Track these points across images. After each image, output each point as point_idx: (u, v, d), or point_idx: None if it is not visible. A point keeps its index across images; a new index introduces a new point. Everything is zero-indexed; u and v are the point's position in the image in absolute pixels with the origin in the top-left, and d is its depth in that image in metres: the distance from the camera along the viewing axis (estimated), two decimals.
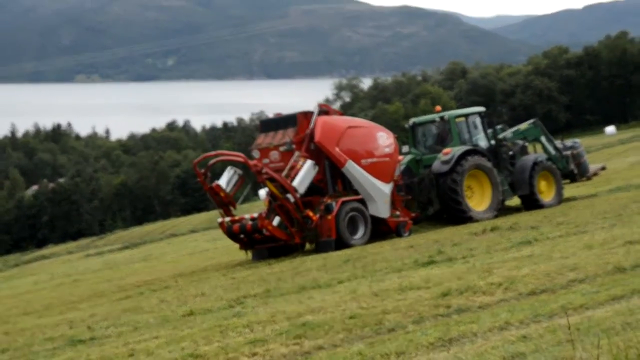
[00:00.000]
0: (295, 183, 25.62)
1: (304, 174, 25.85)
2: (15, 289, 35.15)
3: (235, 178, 27.14)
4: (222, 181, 26.83)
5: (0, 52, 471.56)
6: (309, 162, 26.02)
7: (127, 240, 62.36)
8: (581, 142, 33.60)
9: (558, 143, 32.38)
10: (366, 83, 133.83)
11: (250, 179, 29.03)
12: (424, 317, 11.84)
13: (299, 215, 25.61)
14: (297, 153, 26.20)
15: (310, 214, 25.62)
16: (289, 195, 25.52)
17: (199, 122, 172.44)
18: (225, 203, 26.96)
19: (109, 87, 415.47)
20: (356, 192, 26.84)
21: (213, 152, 27.78)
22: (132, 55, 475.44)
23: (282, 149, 26.51)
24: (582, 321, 9.96)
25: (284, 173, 25.91)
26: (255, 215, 25.93)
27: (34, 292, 30.65)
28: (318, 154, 26.57)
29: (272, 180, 25.83)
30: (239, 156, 27.59)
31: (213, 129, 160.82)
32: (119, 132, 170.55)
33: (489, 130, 30.03)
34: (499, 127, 31.07)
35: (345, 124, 27.47)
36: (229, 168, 27.59)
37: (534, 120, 32.91)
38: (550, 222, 22.72)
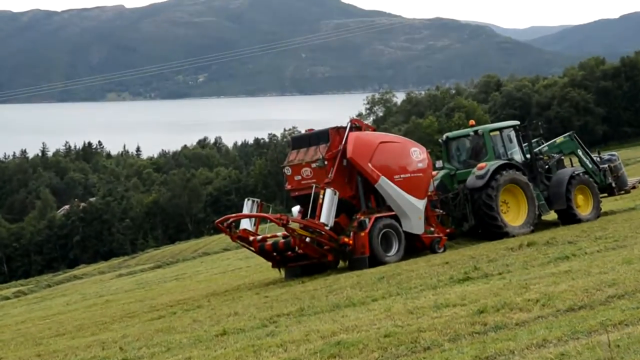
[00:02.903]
0: (322, 219, 25.31)
1: (328, 205, 25.49)
2: (47, 309, 35.13)
3: (255, 207, 27.12)
4: (244, 221, 26.80)
5: (31, 71, 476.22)
6: (329, 192, 25.60)
7: (159, 260, 62.41)
8: (619, 155, 33.29)
9: (595, 156, 32.07)
10: (399, 97, 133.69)
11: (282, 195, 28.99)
12: (460, 335, 11.67)
13: (334, 245, 25.43)
14: (313, 186, 25.90)
15: (346, 239, 25.40)
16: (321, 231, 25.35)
17: (231, 139, 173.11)
18: (260, 242, 26.84)
19: (139, 105, 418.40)
20: (389, 208, 26.58)
21: (233, 215, 27.63)
22: (162, 73, 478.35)
23: (314, 165, 26.30)
24: (622, 338, 9.83)
25: (309, 213, 25.74)
26: (287, 233, 25.71)
27: (66, 313, 30.61)
28: (350, 169, 26.37)
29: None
30: (258, 215, 27.25)
31: (245, 145, 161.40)
32: (150, 150, 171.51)
33: (524, 144, 29.76)
34: (534, 140, 30.78)
35: (377, 140, 27.23)
36: (246, 200, 27.59)
37: (570, 133, 32.67)
38: (588, 236, 22.49)
